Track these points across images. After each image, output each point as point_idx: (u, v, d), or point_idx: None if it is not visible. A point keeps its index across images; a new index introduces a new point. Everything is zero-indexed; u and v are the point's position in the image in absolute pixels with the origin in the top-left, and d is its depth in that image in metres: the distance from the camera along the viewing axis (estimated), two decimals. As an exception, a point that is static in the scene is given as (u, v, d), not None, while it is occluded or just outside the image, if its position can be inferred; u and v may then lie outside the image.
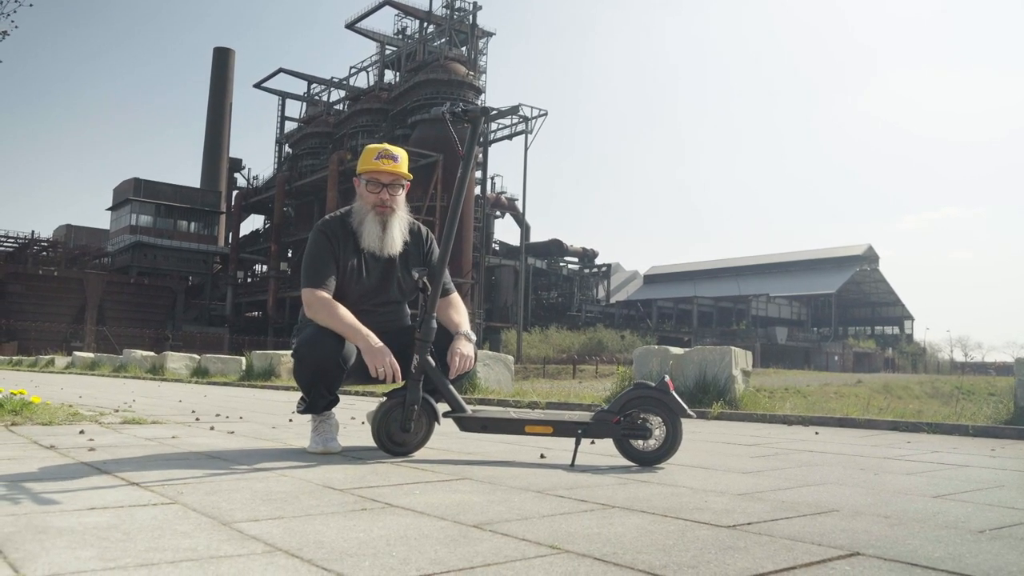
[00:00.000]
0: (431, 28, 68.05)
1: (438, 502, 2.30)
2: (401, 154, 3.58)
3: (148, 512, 2.05)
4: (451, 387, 3.37)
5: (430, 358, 3.33)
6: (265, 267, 73.06)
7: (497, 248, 73.70)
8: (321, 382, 3.41)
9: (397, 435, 3.34)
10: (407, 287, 3.66)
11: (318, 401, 3.51)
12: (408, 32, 71.34)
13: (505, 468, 3.09)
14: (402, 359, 3.36)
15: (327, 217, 3.65)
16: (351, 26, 70.79)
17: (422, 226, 3.76)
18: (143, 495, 2.31)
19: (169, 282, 65.56)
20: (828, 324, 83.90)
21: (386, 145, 3.57)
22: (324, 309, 3.39)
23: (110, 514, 2.01)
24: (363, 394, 9.71)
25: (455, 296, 3.73)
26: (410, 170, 3.73)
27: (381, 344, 3.30)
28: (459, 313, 3.66)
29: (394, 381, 3.31)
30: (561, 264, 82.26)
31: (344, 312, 3.39)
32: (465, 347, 3.46)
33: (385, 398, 3.39)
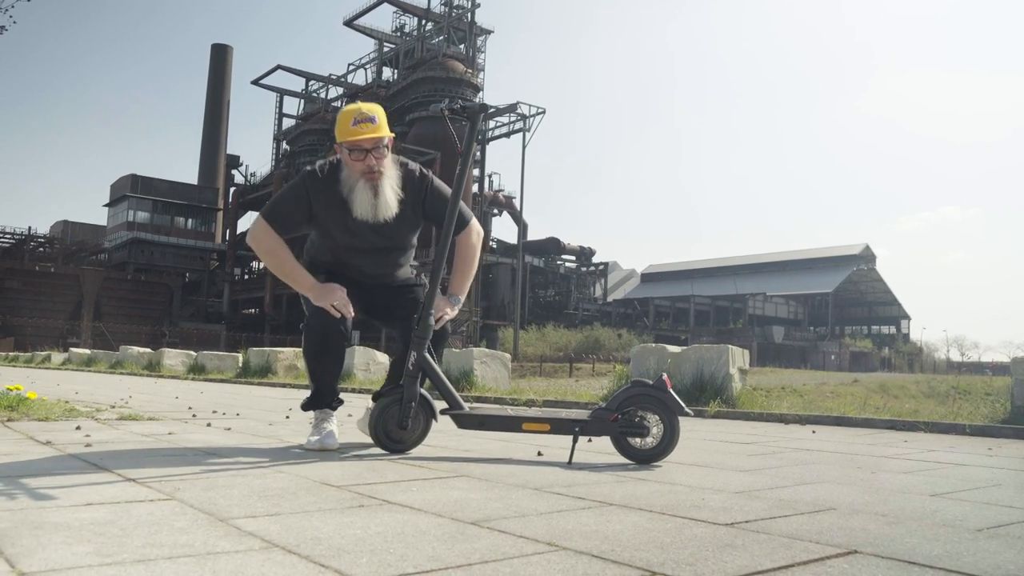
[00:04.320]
0: (429, 25, 68.01)
1: (435, 499, 2.29)
2: (378, 113, 3.39)
3: (145, 508, 2.04)
4: (449, 384, 3.37)
5: (428, 355, 3.33)
6: (262, 264, 72.90)
7: (494, 246, 73.68)
8: (328, 352, 3.51)
9: (394, 432, 3.33)
10: (408, 240, 3.62)
11: (322, 378, 3.57)
12: (406, 29, 71.32)
13: (502, 465, 3.08)
14: (403, 315, 3.49)
15: (319, 171, 3.47)
16: (349, 23, 70.74)
17: (415, 168, 3.57)
18: (140, 491, 2.30)
19: (166, 279, 65.55)
20: (825, 323, 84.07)
21: (360, 107, 3.37)
22: (271, 247, 3.43)
23: (106, 510, 2.00)
24: (361, 391, 9.70)
25: (465, 241, 3.59)
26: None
27: (328, 284, 3.38)
28: (462, 272, 3.59)
29: (343, 318, 3.37)
30: (558, 262, 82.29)
31: (287, 254, 3.44)
32: (449, 309, 3.46)
33: (382, 396, 3.39)
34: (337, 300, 3.35)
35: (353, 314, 3.42)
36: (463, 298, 3.57)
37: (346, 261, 3.59)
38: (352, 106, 3.40)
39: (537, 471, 2.94)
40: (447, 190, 3.52)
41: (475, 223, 3.64)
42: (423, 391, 3.35)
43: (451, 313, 3.47)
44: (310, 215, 3.47)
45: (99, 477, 2.55)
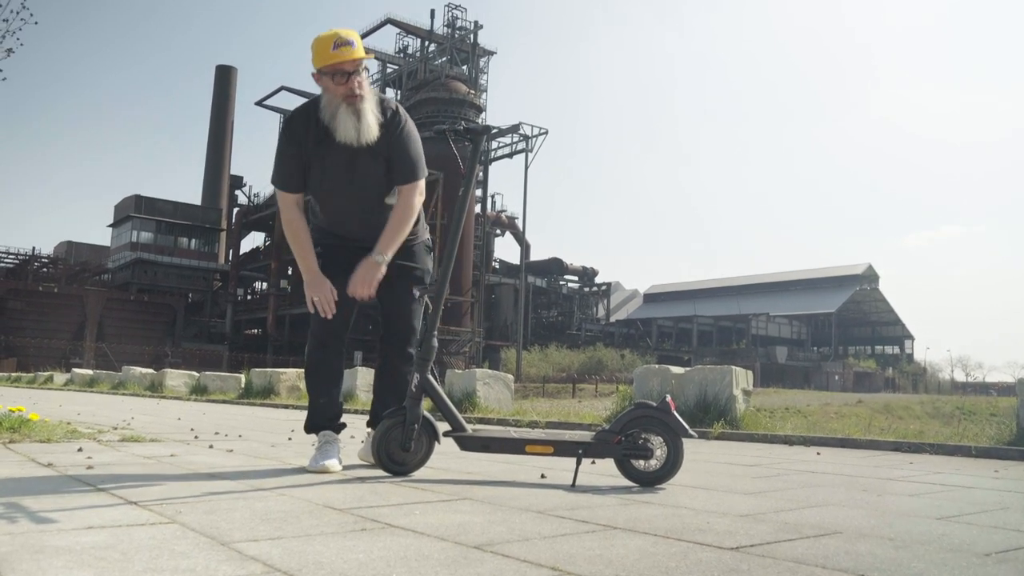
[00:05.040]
0: (432, 47, 68.45)
1: (438, 522, 2.28)
2: (355, 36, 3.40)
3: (146, 531, 2.03)
4: (452, 406, 3.36)
5: (431, 376, 3.33)
6: (265, 284, 73.04)
7: (497, 266, 73.76)
8: (324, 368, 3.58)
9: (397, 454, 3.32)
10: (381, 175, 3.53)
11: (318, 396, 3.59)
12: (410, 51, 71.73)
13: (506, 488, 3.07)
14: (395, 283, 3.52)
15: (295, 110, 3.55)
16: (353, 45, 71.12)
17: (391, 102, 3.57)
18: (141, 514, 2.29)
19: (169, 299, 65.59)
20: (828, 343, 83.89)
21: (337, 32, 3.36)
22: (289, 218, 3.49)
23: (107, 533, 1.99)
24: (363, 412, 9.67)
25: (407, 198, 3.50)
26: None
27: (323, 278, 3.40)
28: (393, 229, 3.45)
29: (327, 315, 3.38)
30: (561, 283, 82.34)
31: (304, 235, 3.49)
32: (367, 272, 3.37)
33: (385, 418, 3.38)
34: (321, 296, 3.37)
35: (332, 314, 3.40)
36: (388, 258, 3.43)
37: (332, 218, 3.59)
38: (328, 32, 3.38)
39: (541, 494, 2.92)
40: (415, 136, 3.56)
41: (423, 184, 3.58)
42: (426, 413, 3.34)
43: (370, 280, 3.37)
44: (303, 154, 3.46)
45: (100, 500, 2.53)
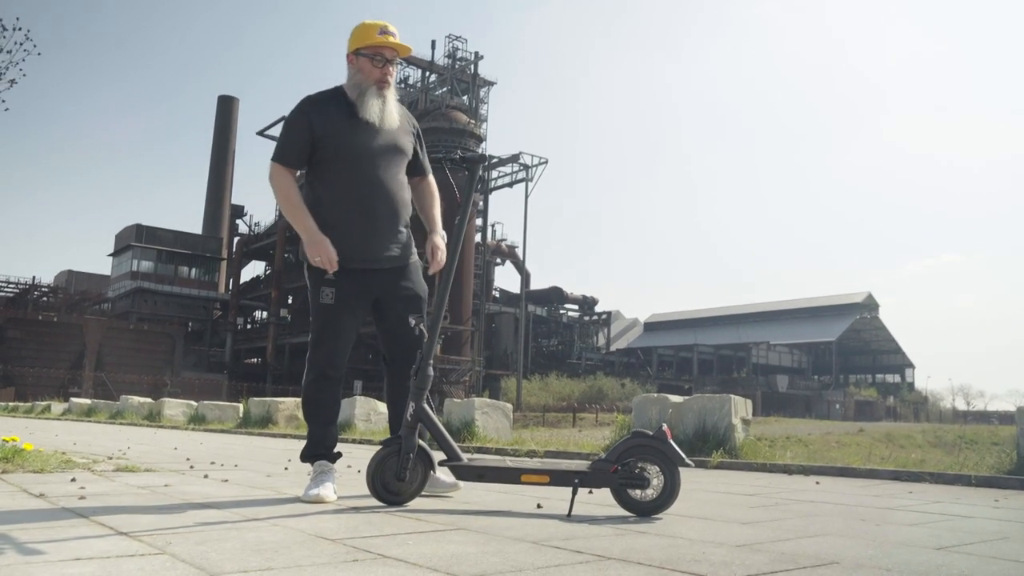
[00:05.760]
0: (433, 77, 68.95)
1: (431, 552, 2.25)
2: (396, 30, 3.62)
3: (135, 563, 2.01)
4: (447, 435, 3.34)
5: (427, 405, 3.31)
6: (265, 314, 73.00)
7: (497, 295, 73.75)
8: (324, 395, 3.63)
9: (392, 484, 3.29)
10: (403, 162, 3.73)
11: (316, 423, 3.61)
12: (410, 81, 72.20)
13: (501, 518, 3.04)
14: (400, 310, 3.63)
15: (316, 93, 3.66)
16: (354, 76, 71.64)
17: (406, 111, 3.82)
18: (131, 545, 2.27)
19: (169, 328, 65.46)
20: (829, 372, 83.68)
21: (385, 22, 3.59)
22: (281, 184, 3.55)
23: (95, 565, 1.97)
24: (361, 442, 9.62)
25: (431, 185, 3.92)
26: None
27: (322, 236, 3.44)
28: (436, 207, 3.88)
29: (330, 270, 3.45)
30: (561, 312, 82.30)
31: (298, 198, 3.55)
32: (439, 242, 3.72)
33: (381, 446, 3.36)
34: (323, 254, 3.42)
35: (336, 266, 3.46)
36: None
37: (359, 191, 3.57)
38: (374, 21, 3.60)
39: (536, 524, 2.89)
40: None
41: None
42: (421, 442, 3.32)
43: (441, 251, 3.70)
44: (312, 136, 3.53)
45: (91, 531, 2.51)
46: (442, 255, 3.66)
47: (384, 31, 3.54)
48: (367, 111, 3.54)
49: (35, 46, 9.31)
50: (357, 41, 3.57)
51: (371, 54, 3.54)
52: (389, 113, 3.60)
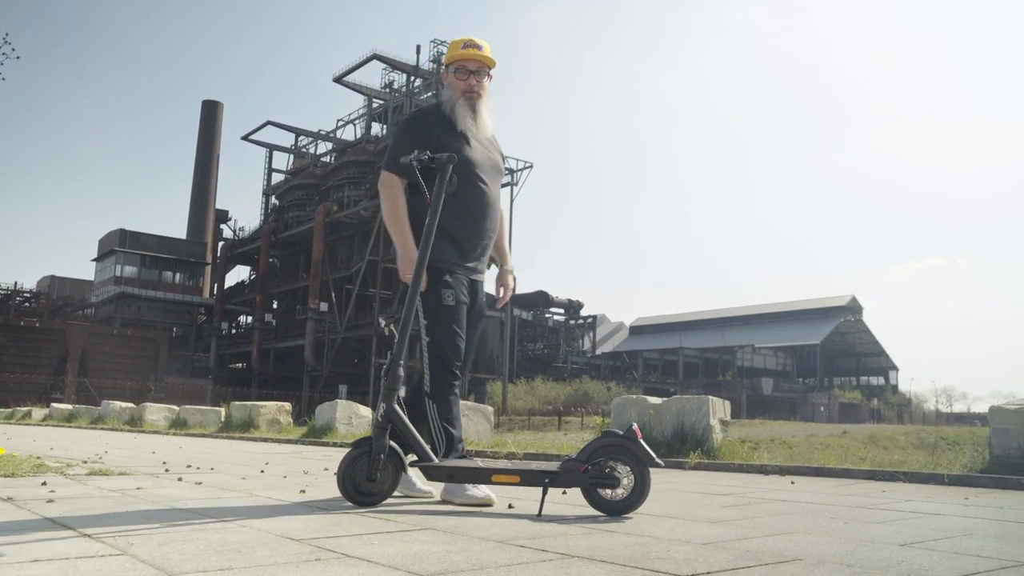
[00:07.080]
0: (418, 82, 68.86)
1: (395, 552, 2.25)
2: (485, 43, 3.76)
3: (93, 564, 2.00)
4: (418, 436, 3.34)
5: (396, 406, 3.31)
6: (250, 318, 72.71)
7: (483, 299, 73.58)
8: (460, 359, 3.72)
9: (363, 485, 3.29)
10: (499, 179, 3.88)
11: (451, 397, 3.74)
12: (395, 86, 72.18)
13: (470, 518, 3.04)
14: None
15: (422, 108, 3.86)
16: (339, 79, 71.55)
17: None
18: (92, 546, 2.25)
19: (153, 333, 65.02)
20: (813, 374, 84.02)
21: (471, 37, 3.76)
22: (399, 203, 3.67)
23: (53, 566, 1.95)
24: (342, 446, 9.59)
25: (503, 208, 3.96)
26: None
27: (414, 254, 3.47)
28: (506, 236, 4.03)
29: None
30: (547, 315, 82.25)
31: (403, 209, 3.67)
32: (511, 281, 3.99)
33: (351, 447, 3.35)
34: (406, 273, 3.52)
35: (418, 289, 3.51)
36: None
37: (465, 209, 3.65)
38: (463, 36, 3.79)
39: (505, 524, 2.89)
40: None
41: None
42: (392, 443, 3.32)
43: (512, 285, 3.99)
44: (424, 147, 3.49)
45: (54, 533, 2.49)
46: (511, 294, 3.97)
47: (469, 44, 3.72)
48: (460, 122, 3.69)
49: (14, 50, 9.27)
50: (447, 58, 3.79)
51: (456, 67, 3.72)
52: (482, 122, 3.74)
